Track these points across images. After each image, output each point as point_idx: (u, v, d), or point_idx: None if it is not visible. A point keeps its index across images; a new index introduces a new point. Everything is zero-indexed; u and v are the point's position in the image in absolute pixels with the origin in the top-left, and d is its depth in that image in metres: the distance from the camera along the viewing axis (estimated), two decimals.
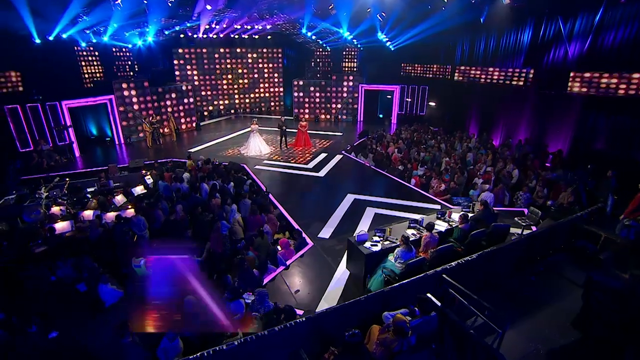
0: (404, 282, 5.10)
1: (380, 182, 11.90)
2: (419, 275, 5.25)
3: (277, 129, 16.01)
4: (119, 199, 10.32)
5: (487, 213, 7.48)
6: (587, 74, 12.52)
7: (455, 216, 7.52)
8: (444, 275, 5.03)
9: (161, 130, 16.78)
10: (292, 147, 15.92)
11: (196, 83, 21.96)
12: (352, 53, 25.35)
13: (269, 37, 23.63)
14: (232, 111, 23.51)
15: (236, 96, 23.60)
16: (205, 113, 22.63)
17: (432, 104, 20.65)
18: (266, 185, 11.20)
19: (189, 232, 8.18)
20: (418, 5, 16.64)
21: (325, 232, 8.45)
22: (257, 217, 8.49)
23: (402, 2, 16.33)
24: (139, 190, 11.03)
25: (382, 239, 6.65)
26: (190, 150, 15.37)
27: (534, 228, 7.89)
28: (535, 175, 10.73)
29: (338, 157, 14.39)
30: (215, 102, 23.07)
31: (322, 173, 12.64)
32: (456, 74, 19.07)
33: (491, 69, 17.00)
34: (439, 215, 7.59)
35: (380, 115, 22.72)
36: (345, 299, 5.93)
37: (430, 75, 20.92)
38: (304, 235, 8.14)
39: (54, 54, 15.22)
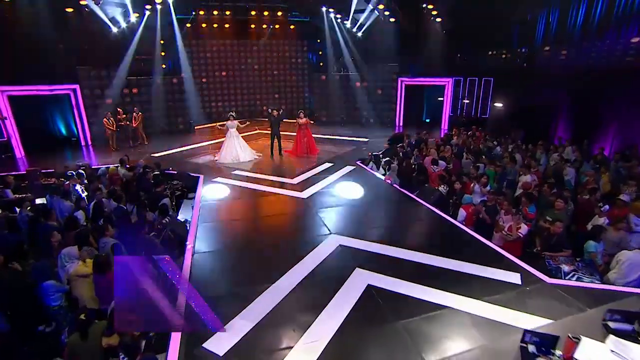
0: None
1: (399, 215, 6.81)
2: None
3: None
4: None
5: None
6: None
7: None
8: None
9: (134, 127, 13.23)
10: (289, 154, 11.36)
11: (204, 80, 18.41)
12: (390, 38, 20.22)
13: (291, 26, 19.59)
14: (245, 113, 19.55)
15: (251, 95, 19.68)
16: (215, 115, 18.88)
17: (499, 104, 14.88)
18: (203, 210, 6.73)
19: None
20: None
21: (231, 336, 3.60)
22: (111, 276, 3.92)
23: None
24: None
25: None
26: (154, 154, 11.55)
27: None
28: None
29: (347, 169, 9.47)
30: (219, 103, 19.23)
31: (305, 194, 7.70)
32: (537, 60, 13.34)
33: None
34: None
35: (427, 120, 17.40)
36: None
37: (497, 63, 15.30)
38: (169, 345, 3.40)
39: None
